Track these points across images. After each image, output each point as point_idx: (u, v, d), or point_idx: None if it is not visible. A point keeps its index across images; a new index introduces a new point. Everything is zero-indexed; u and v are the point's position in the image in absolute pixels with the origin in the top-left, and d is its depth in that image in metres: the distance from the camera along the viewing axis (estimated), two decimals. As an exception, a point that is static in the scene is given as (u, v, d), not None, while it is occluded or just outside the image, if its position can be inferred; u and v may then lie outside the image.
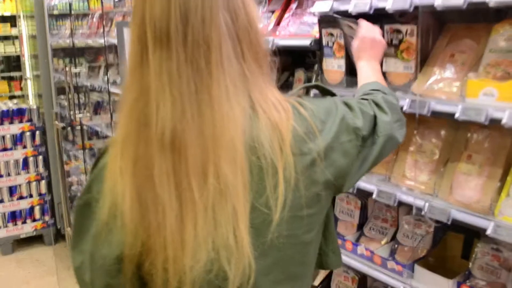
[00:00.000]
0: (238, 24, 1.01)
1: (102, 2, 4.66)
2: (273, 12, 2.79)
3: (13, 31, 8.67)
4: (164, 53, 0.96)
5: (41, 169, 5.53)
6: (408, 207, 2.14)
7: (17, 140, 5.38)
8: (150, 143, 0.96)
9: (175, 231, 0.95)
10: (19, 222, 5.45)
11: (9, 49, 9.09)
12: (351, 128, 1.12)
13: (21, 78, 8.15)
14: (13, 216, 5.42)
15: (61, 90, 5.44)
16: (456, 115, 1.75)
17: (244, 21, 1.03)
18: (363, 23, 1.76)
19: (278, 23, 2.70)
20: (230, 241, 0.95)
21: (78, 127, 5.29)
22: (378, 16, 2.11)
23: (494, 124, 1.69)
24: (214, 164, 0.95)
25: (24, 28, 6.27)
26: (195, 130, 0.95)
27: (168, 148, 0.95)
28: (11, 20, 8.73)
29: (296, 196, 1.01)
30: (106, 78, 4.50)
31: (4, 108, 5.42)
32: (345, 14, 2.14)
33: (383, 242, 2.29)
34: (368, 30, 1.76)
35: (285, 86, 2.93)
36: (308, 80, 2.68)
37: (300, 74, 2.76)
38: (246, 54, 1.02)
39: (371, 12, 2.03)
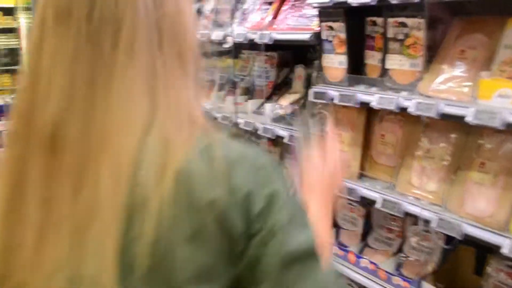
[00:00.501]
0: (163, 10, 0.83)
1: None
2: (270, 3, 2.60)
3: (16, 24, 8.55)
4: (63, 31, 0.79)
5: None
6: (415, 216, 1.96)
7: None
8: (30, 141, 0.79)
9: (31, 251, 0.77)
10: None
11: (13, 42, 8.97)
12: (275, 221, 0.80)
13: (24, 71, 8.02)
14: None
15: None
16: (467, 119, 1.57)
17: (171, 9, 0.84)
18: (332, 153, 1.20)
19: (275, 16, 2.52)
20: (93, 272, 0.74)
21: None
22: (381, 8, 1.92)
23: (511, 129, 1.50)
24: (92, 173, 0.76)
25: (23, 20, 6.12)
26: (81, 126, 0.77)
27: (47, 146, 0.78)
28: (15, 12, 8.60)
29: (168, 257, 0.76)
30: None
31: (1, 102, 5.30)
32: (346, 6, 1.95)
33: (388, 254, 2.11)
34: (334, 172, 1.18)
35: (284, 83, 2.75)
36: (308, 77, 2.49)
37: (300, 71, 2.57)
38: (166, 47, 0.83)
39: (374, 3, 1.84)
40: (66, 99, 0.77)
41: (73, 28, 0.78)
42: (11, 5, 8.75)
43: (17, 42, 8.81)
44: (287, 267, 0.80)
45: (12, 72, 9.37)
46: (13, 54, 9.34)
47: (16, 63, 9.20)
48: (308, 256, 0.83)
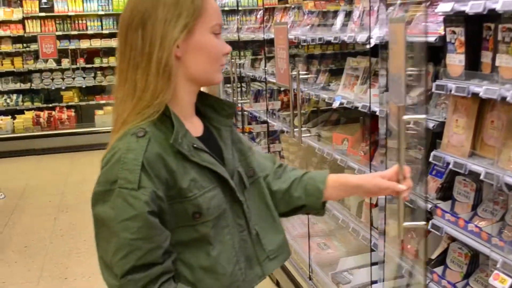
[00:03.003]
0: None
1: None
2: (406, 11, 3.07)
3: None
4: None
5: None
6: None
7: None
8: None
9: None
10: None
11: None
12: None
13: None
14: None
15: (227, 79, 6.10)
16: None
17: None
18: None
19: (410, 21, 2.99)
20: None
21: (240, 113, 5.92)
22: (493, 17, 2.35)
23: None
24: None
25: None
26: None
27: None
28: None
29: None
30: (265, 69, 5.05)
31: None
32: (465, 14, 2.40)
33: (492, 222, 2.51)
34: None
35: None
36: (436, 73, 2.94)
37: (429, 68, 3.02)
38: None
39: (485, 12, 2.27)
40: None
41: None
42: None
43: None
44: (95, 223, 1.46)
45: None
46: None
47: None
48: (102, 224, 1.42)
